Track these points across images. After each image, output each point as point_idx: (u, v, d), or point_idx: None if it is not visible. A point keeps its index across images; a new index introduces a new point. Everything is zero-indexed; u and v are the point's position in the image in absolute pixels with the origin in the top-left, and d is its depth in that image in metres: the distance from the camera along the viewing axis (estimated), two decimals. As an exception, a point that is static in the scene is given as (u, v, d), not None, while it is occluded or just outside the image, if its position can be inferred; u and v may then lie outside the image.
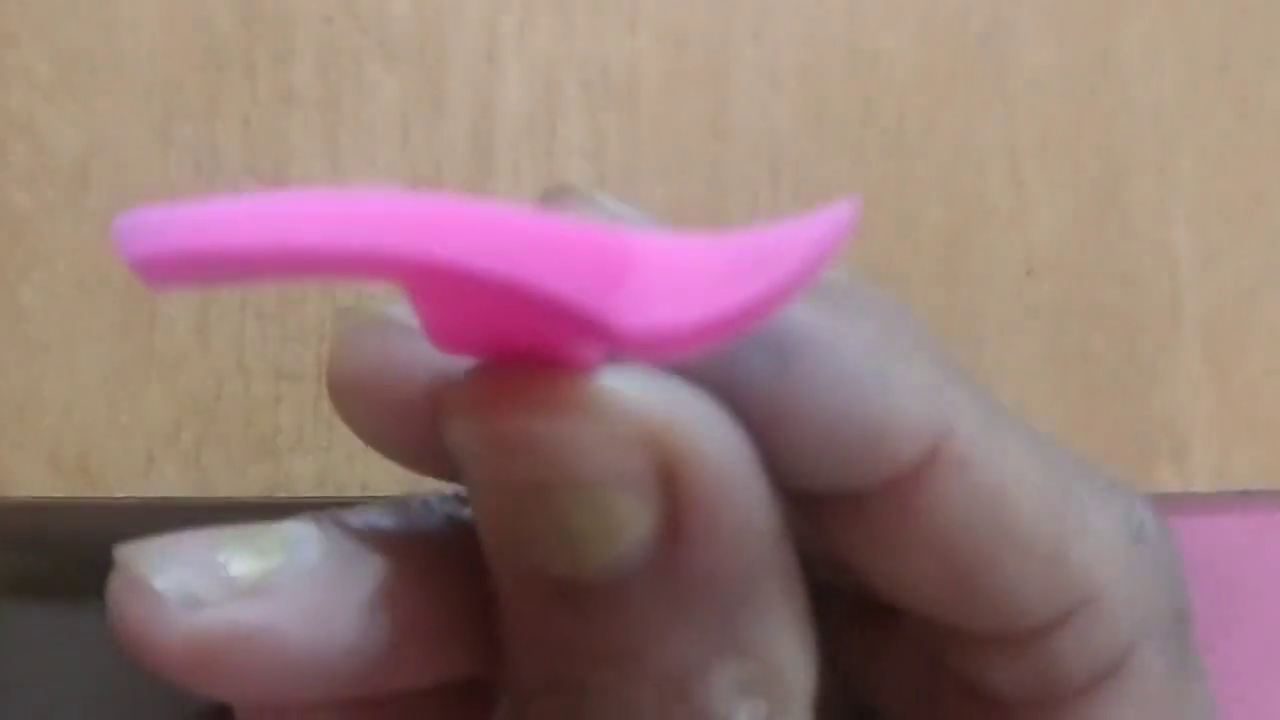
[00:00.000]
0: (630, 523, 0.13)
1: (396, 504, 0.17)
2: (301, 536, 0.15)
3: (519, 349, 0.13)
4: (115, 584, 0.15)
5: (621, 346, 0.12)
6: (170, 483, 0.23)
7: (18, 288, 0.23)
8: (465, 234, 0.11)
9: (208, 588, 0.15)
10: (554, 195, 0.16)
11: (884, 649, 0.18)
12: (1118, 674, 0.16)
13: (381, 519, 0.16)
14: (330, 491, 0.23)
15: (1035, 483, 0.15)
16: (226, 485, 0.23)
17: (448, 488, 0.17)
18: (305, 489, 0.23)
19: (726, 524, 0.13)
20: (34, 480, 0.23)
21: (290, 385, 0.23)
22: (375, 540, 0.16)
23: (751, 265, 0.12)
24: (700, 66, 0.26)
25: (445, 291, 0.13)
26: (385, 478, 0.23)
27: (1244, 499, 0.25)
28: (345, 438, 0.23)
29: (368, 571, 0.16)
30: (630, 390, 0.13)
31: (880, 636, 0.18)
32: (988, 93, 0.26)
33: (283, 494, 0.23)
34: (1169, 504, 0.25)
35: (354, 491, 0.23)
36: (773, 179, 0.25)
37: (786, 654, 0.14)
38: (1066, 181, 0.26)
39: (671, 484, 0.13)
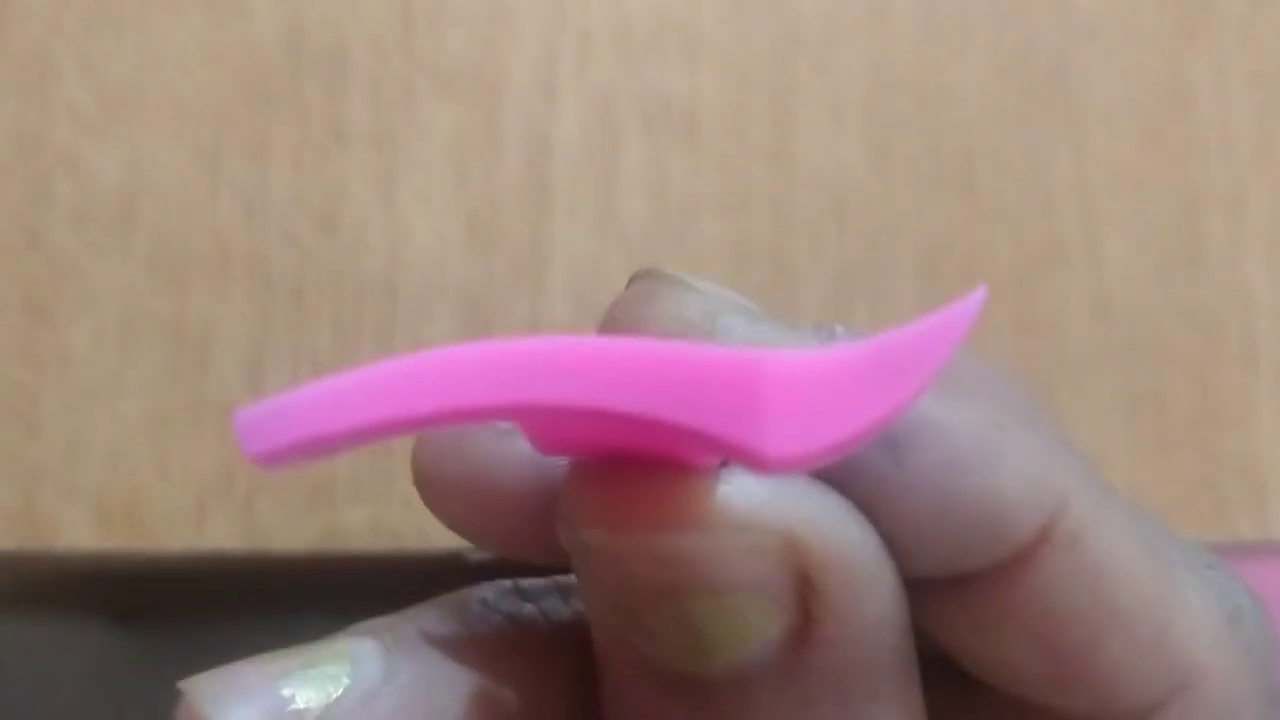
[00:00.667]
0: (762, 626, 0.13)
1: (455, 605, 0.16)
2: (362, 656, 0.15)
3: (630, 450, 0.13)
4: None
5: (765, 471, 0.12)
6: (222, 533, 0.22)
7: (64, 331, 0.22)
8: (600, 378, 0.11)
9: None
10: (644, 282, 0.15)
11: (965, 716, 0.18)
12: None
13: (441, 625, 0.16)
14: (386, 541, 0.23)
15: (1139, 561, 0.15)
16: (280, 536, 0.22)
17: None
18: (360, 539, 0.23)
19: (861, 624, 0.13)
20: (81, 530, 0.22)
21: (346, 434, 0.23)
22: (437, 650, 0.15)
23: (884, 375, 0.12)
24: (763, 101, 0.25)
25: (567, 420, 0.12)
26: (443, 529, 0.23)
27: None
28: (401, 486, 0.23)
29: (431, 686, 0.15)
30: (765, 497, 0.13)
31: (962, 704, 0.18)
32: (1057, 131, 0.26)
33: (338, 544, 0.22)
34: (1247, 553, 0.24)
35: (411, 541, 0.23)
36: (837, 216, 0.25)
37: None
38: (1138, 222, 0.25)
39: (806, 588, 0.13)
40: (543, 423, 0.13)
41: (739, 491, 0.13)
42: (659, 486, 0.13)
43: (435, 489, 0.16)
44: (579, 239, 0.24)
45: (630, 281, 0.16)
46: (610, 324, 0.15)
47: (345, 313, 0.23)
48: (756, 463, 0.12)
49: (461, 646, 0.16)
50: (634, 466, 0.13)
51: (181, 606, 0.26)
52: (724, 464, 0.13)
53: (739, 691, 0.13)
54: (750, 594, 0.13)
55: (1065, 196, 0.25)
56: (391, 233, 0.24)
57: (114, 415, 0.22)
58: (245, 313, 0.23)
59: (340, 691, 0.15)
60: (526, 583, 0.17)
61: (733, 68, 0.25)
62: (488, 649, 0.16)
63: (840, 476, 0.14)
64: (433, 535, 0.23)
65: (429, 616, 0.16)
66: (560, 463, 0.14)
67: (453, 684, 0.15)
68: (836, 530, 0.13)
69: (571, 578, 0.17)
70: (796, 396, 0.12)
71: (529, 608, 0.17)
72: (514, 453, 0.15)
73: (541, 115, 0.24)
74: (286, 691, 0.14)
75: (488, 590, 0.17)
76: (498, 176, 0.24)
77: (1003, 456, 0.14)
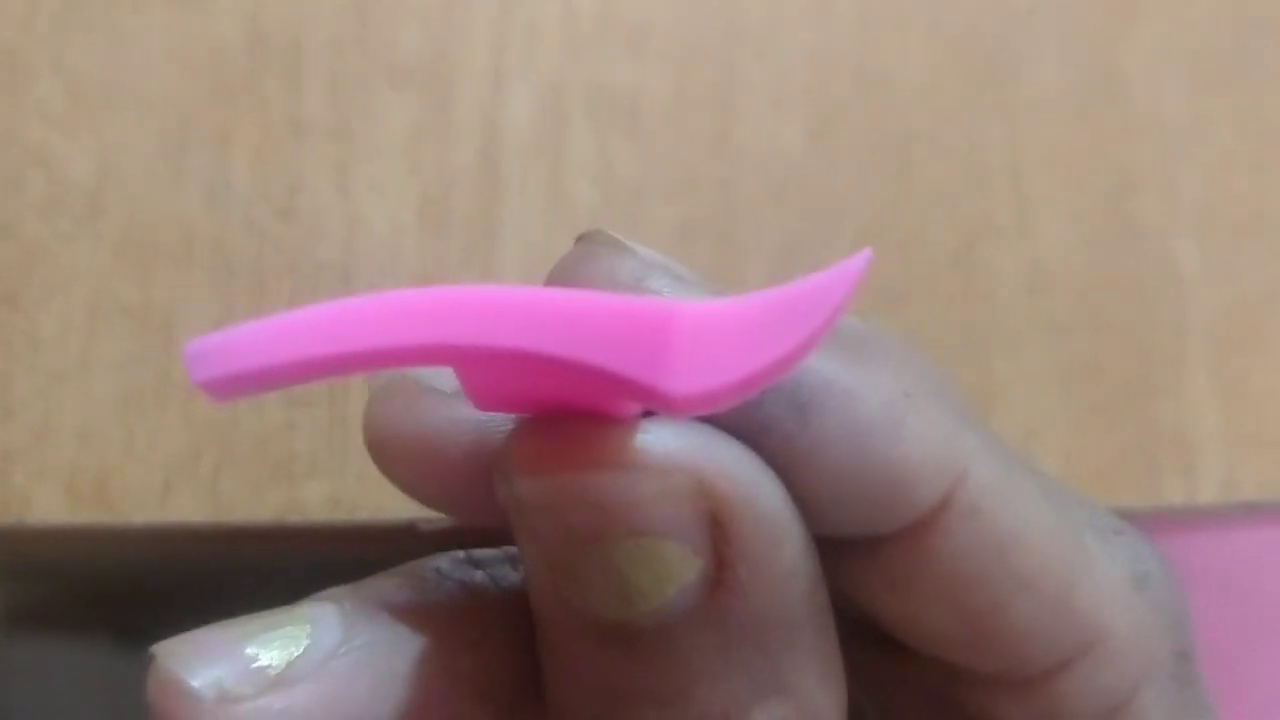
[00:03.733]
0: (680, 570, 0.14)
1: (411, 574, 0.17)
2: (322, 619, 0.16)
3: (560, 405, 0.14)
4: (153, 681, 0.15)
5: (670, 410, 0.13)
6: (186, 509, 0.23)
7: (34, 316, 0.23)
8: (522, 322, 0.13)
9: (241, 683, 0.15)
10: (584, 244, 0.16)
11: (894, 679, 0.19)
12: (1121, 714, 0.17)
13: (397, 592, 0.17)
14: (343, 514, 0.24)
15: (1044, 527, 0.16)
16: (242, 511, 0.23)
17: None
18: (318, 513, 0.23)
19: (771, 571, 0.14)
20: (52, 508, 0.23)
21: (303, 411, 0.24)
22: (392, 615, 0.16)
23: (780, 323, 0.13)
24: (706, 87, 0.26)
25: (496, 367, 0.13)
26: (396, 501, 0.23)
27: (1252, 512, 0.25)
28: (358, 462, 0.24)
29: (386, 648, 0.16)
30: (679, 443, 0.14)
31: (891, 667, 0.19)
32: (993, 111, 0.26)
33: (296, 518, 0.23)
34: (1177, 518, 0.25)
35: (367, 514, 0.24)
36: (779, 199, 0.26)
37: (824, 694, 0.15)
38: (1071, 198, 0.26)
39: (718, 532, 0.14)
40: (476, 373, 0.14)
41: (655, 438, 0.14)
42: (584, 434, 0.14)
43: (385, 449, 0.17)
44: (529, 224, 0.25)
45: (575, 242, 0.17)
46: (551, 282, 0.16)
47: (303, 297, 0.24)
48: (662, 401, 0.13)
49: (416, 611, 0.16)
50: (563, 420, 0.14)
51: (150, 581, 0.27)
52: (646, 415, 0.14)
53: (664, 639, 0.14)
54: (668, 537, 0.14)
55: (1000, 175, 0.26)
56: (347, 220, 0.25)
57: (83, 397, 0.23)
58: (208, 298, 0.24)
59: (301, 651, 0.16)
60: (478, 552, 0.18)
61: (676, 57, 0.26)
62: (441, 613, 0.17)
63: (751, 433, 0.15)
64: (387, 508, 0.24)
65: (386, 584, 0.17)
66: (501, 426, 0.16)
67: (407, 646, 0.16)
68: (744, 477, 0.14)
69: None
70: (700, 340, 0.13)
71: (480, 575, 0.18)
72: (459, 417, 0.16)
73: (492, 106, 0.25)
74: (250, 651, 0.15)
75: (441, 560, 0.18)
76: (450, 165, 0.25)
77: (907, 425, 0.15)
